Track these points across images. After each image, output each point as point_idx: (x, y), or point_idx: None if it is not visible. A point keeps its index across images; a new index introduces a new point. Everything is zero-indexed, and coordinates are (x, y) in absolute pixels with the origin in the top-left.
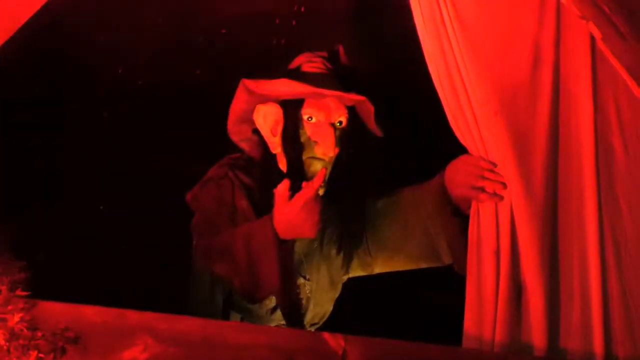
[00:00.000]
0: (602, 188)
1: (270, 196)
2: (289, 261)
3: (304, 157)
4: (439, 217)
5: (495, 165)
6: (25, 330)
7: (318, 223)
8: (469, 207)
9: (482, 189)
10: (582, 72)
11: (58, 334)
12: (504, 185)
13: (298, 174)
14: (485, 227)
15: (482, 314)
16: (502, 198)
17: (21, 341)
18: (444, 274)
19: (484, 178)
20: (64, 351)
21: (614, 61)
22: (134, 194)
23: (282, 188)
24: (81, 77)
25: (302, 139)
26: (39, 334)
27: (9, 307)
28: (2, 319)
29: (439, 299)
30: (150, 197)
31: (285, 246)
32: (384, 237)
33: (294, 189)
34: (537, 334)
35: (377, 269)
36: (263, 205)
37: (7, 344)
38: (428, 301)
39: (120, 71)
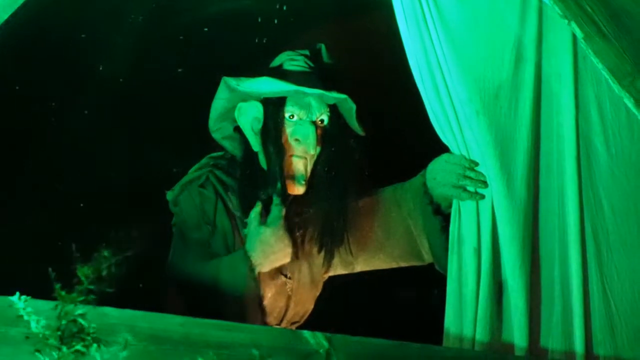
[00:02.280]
0: (583, 186)
1: (251, 196)
2: (258, 299)
3: (286, 155)
4: (420, 216)
5: (476, 164)
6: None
7: (289, 247)
8: (450, 206)
9: (464, 188)
10: (564, 71)
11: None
12: (485, 184)
13: (279, 173)
14: (466, 225)
15: (463, 313)
16: (483, 197)
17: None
18: (425, 272)
19: (465, 177)
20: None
21: (595, 60)
22: (114, 192)
23: (254, 212)
24: (62, 75)
25: (284, 137)
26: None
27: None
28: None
29: (419, 297)
30: (130, 195)
31: (255, 283)
32: (365, 236)
33: (267, 210)
34: (518, 333)
35: (359, 268)
36: (243, 211)
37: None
38: (409, 300)
39: (101, 69)
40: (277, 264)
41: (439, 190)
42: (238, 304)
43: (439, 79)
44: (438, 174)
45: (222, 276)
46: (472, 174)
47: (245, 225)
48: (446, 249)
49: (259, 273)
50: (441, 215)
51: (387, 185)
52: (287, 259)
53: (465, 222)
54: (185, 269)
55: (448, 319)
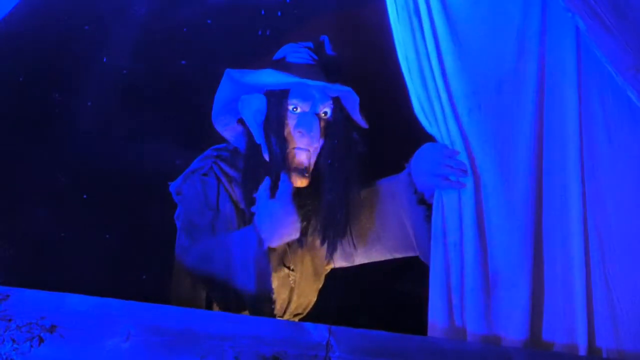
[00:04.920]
0: (586, 179)
1: (254, 187)
2: (267, 274)
3: (289, 147)
4: (408, 206)
5: (457, 152)
6: None
7: (298, 222)
8: (433, 195)
9: (445, 177)
10: (567, 64)
11: (34, 323)
12: (466, 173)
13: (282, 165)
14: (449, 216)
15: (449, 304)
16: (464, 185)
17: None
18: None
19: (446, 165)
20: (41, 340)
21: (599, 53)
22: (117, 184)
23: (263, 187)
24: (65, 67)
25: (287, 129)
26: (14, 325)
27: None
28: None
29: (417, 290)
30: (134, 187)
31: (264, 258)
32: (365, 228)
33: (275, 186)
34: (520, 326)
35: (358, 260)
36: (247, 202)
37: None
38: (409, 292)
39: (104, 61)
40: (286, 239)
41: (421, 178)
42: (250, 279)
43: (426, 69)
44: (420, 163)
45: (233, 250)
46: (452, 163)
47: (249, 212)
48: (429, 239)
49: (269, 249)
50: (425, 204)
51: (386, 177)
52: (297, 235)
53: (448, 212)
54: (194, 250)
55: (432, 311)
